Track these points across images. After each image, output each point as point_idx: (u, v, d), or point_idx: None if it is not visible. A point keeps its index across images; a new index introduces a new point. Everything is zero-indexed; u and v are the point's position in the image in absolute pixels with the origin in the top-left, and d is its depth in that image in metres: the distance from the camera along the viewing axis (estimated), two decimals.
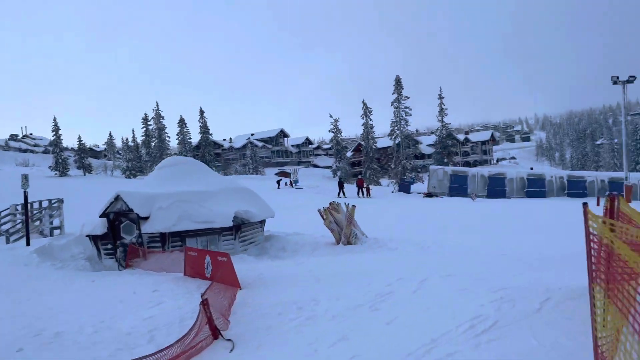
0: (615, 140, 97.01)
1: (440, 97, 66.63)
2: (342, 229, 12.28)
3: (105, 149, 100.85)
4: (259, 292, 6.77)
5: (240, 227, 11.87)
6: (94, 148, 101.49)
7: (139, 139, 75.23)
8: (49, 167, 60.26)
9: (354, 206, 12.48)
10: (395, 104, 63.51)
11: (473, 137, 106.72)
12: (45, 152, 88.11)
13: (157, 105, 74.39)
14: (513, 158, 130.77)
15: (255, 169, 77.33)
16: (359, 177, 42.74)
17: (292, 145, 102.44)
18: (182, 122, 75.64)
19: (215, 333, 4.92)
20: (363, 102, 67.00)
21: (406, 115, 63.58)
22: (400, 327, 4.79)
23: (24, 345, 4.94)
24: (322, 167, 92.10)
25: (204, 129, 77.91)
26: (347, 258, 10.01)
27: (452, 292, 5.97)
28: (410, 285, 6.44)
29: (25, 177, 12.37)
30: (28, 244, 11.89)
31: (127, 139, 77.66)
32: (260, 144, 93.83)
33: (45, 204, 15.53)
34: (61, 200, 15.58)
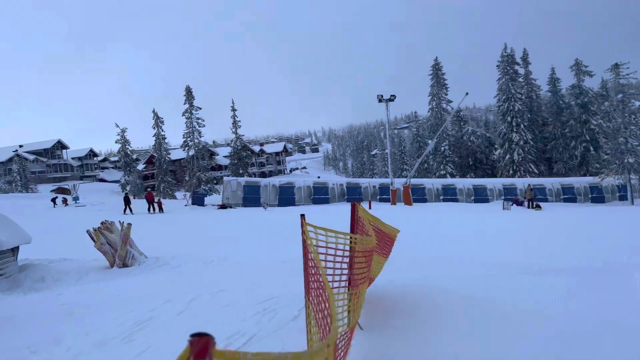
0: (386, 151, 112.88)
1: (233, 110, 67.37)
2: (117, 250, 11.12)
3: None
4: None
5: None
6: None
7: None
8: None
9: (129, 224, 11.45)
10: (187, 114, 61.94)
11: (268, 148, 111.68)
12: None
13: None
14: (304, 168, 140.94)
15: (25, 186, 66.49)
16: (149, 190, 40.17)
17: (72, 158, 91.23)
18: None
19: None
20: (154, 111, 63.50)
21: (199, 127, 62.53)
22: (153, 358, 4.35)
23: None
24: (110, 182, 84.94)
25: None
26: (118, 283, 9.02)
27: (218, 309, 5.78)
28: (176, 308, 6.03)
29: None
30: None
31: None
32: (32, 157, 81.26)
33: None
34: None
